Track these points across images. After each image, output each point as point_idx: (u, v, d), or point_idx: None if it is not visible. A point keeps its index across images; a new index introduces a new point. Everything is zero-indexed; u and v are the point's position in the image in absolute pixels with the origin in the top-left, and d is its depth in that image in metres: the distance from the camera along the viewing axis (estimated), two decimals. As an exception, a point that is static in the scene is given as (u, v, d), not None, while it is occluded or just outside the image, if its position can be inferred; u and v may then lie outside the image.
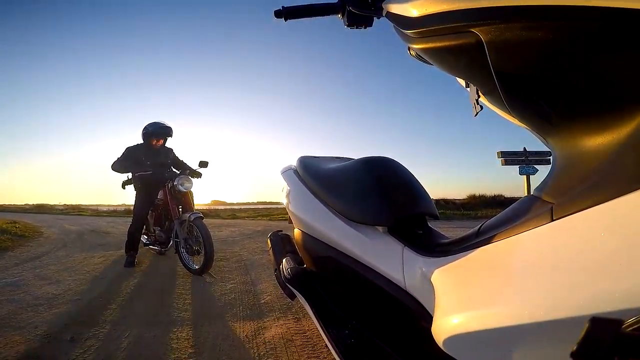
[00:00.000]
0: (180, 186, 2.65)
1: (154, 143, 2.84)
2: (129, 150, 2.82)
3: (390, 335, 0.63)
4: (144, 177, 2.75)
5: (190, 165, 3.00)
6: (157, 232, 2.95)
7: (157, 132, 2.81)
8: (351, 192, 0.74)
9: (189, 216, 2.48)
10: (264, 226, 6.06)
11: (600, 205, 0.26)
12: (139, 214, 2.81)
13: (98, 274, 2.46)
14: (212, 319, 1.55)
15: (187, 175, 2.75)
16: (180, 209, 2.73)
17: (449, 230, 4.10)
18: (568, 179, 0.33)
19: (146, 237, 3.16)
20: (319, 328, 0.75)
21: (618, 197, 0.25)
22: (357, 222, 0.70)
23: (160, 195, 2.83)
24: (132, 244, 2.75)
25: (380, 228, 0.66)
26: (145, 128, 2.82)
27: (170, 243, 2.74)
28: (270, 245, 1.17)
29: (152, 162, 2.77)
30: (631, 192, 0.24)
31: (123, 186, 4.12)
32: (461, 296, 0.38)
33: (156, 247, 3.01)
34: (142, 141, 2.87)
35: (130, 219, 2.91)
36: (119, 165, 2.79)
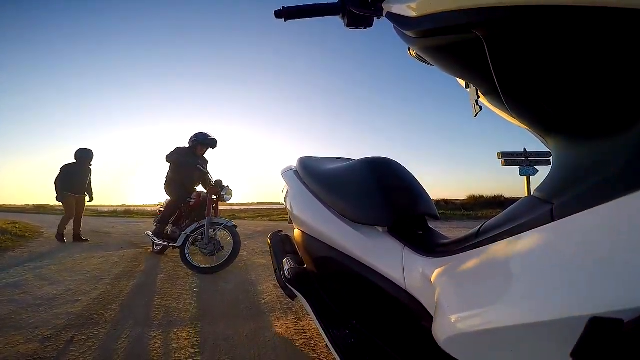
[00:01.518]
0: (226, 196, 2.95)
1: (198, 150, 3.20)
2: (179, 150, 3.19)
3: (390, 335, 0.63)
4: (186, 168, 3.08)
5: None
6: (171, 228, 3.08)
7: (204, 142, 3.19)
8: (351, 193, 0.74)
9: (226, 222, 2.73)
10: (264, 227, 6.06)
11: (600, 206, 0.26)
12: (175, 206, 3.11)
13: (98, 274, 2.47)
14: (212, 319, 1.55)
15: (229, 189, 3.05)
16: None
17: (449, 231, 4.09)
18: (568, 179, 0.33)
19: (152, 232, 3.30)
20: (319, 328, 0.75)
21: (618, 197, 0.25)
22: (358, 222, 0.70)
23: (193, 196, 3.08)
24: (160, 234, 3.09)
25: (380, 228, 0.66)
26: (195, 136, 3.19)
27: (178, 242, 2.85)
28: (270, 246, 1.17)
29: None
30: (631, 192, 0.24)
31: (59, 198, 4.30)
32: (461, 296, 0.38)
33: (163, 242, 3.06)
34: (187, 145, 3.22)
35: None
36: (170, 158, 3.11)
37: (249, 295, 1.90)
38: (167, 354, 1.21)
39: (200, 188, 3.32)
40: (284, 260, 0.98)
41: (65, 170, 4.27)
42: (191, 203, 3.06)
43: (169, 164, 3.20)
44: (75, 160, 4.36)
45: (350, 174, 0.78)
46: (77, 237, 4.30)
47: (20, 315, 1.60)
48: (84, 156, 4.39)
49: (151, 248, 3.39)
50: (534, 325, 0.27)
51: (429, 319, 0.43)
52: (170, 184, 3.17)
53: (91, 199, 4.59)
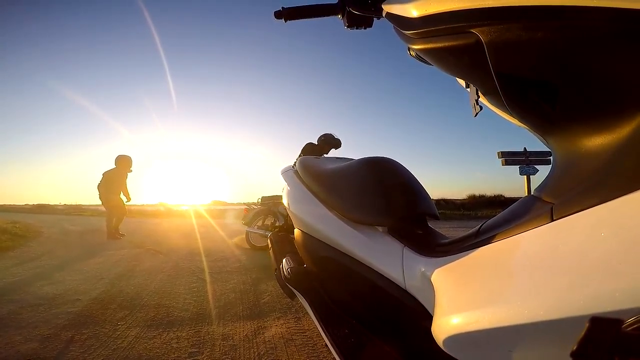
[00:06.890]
0: None
1: (326, 150, 3.32)
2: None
3: (390, 335, 0.63)
4: None
5: None
6: None
7: (333, 143, 3.27)
8: (351, 192, 0.74)
9: None
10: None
11: (600, 205, 0.26)
12: None
13: (98, 274, 2.47)
14: (212, 318, 1.55)
15: None
16: None
17: (448, 231, 4.10)
18: (568, 179, 0.33)
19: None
20: (319, 328, 0.75)
21: (618, 197, 0.25)
22: (357, 222, 0.69)
23: None
24: None
25: (380, 228, 0.65)
26: (324, 136, 3.26)
27: None
28: (270, 245, 1.17)
29: None
30: (631, 192, 0.24)
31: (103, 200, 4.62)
32: (461, 296, 0.38)
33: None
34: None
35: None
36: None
37: (249, 295, 1.91)
38: (167, 353, 1.21)
39: None
40: (284, 259, 0.98)
41: (107, 175, 4.76)
42: None
43: None
44: (115, 166, 4.85)
45: (350, 173, 0.78)
46: (113, 235, 4.73)
47: (20, 315, 1.60)
48: (123, 162, 4.91)
49: None
50: (534, 325, 0.27)
51: (429, 318, 0.43)
52: None
53: (128, 199, 4.98)
